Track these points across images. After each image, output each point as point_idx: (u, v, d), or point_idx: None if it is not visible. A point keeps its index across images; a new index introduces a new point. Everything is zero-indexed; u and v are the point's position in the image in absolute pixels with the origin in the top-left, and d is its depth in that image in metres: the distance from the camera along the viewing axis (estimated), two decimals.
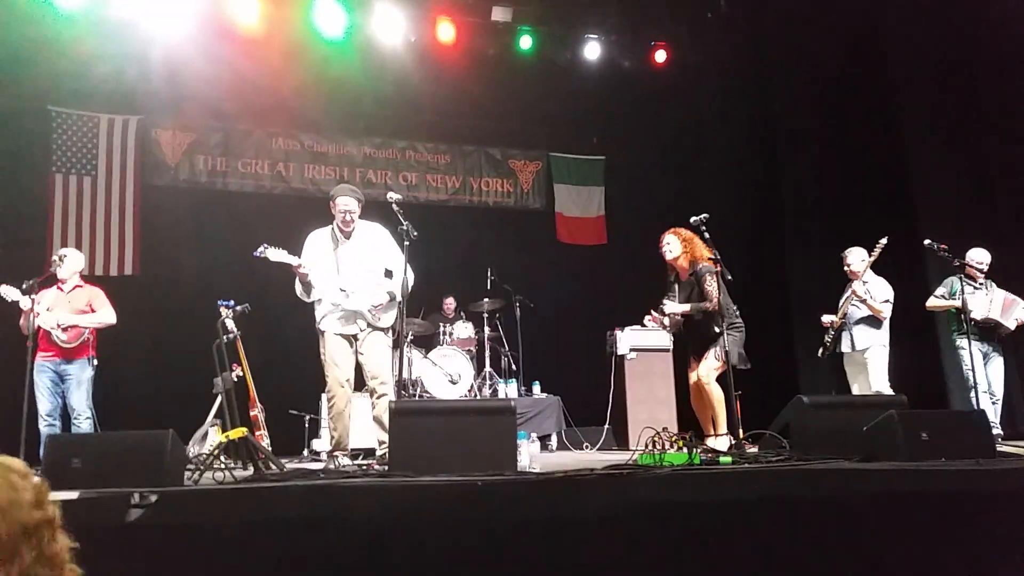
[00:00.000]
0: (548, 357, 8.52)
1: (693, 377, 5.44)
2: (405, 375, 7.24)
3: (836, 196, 8.50)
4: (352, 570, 2.91)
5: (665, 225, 5.72)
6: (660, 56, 9.10)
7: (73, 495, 3.09)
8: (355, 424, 5.03)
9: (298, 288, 4.79)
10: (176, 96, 8.18)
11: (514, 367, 8.17)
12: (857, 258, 6.22)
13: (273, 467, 4.21)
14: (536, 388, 8.01)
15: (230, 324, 5.38)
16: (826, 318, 6.39)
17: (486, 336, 8.09)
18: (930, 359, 7.58)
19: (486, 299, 8.17)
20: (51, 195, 7.86)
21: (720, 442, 5.18)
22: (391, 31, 8.14)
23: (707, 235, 5.04)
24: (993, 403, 6.17)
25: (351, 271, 4.80)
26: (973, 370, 5.98)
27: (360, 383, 4.88)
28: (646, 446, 4.18)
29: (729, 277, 4.98)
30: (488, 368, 8.03)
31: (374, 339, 4.78)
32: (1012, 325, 6.25)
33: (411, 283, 4.80)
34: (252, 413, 5.65)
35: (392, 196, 4.75)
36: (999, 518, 3.29)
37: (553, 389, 8.01)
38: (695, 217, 5.05)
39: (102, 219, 8.09)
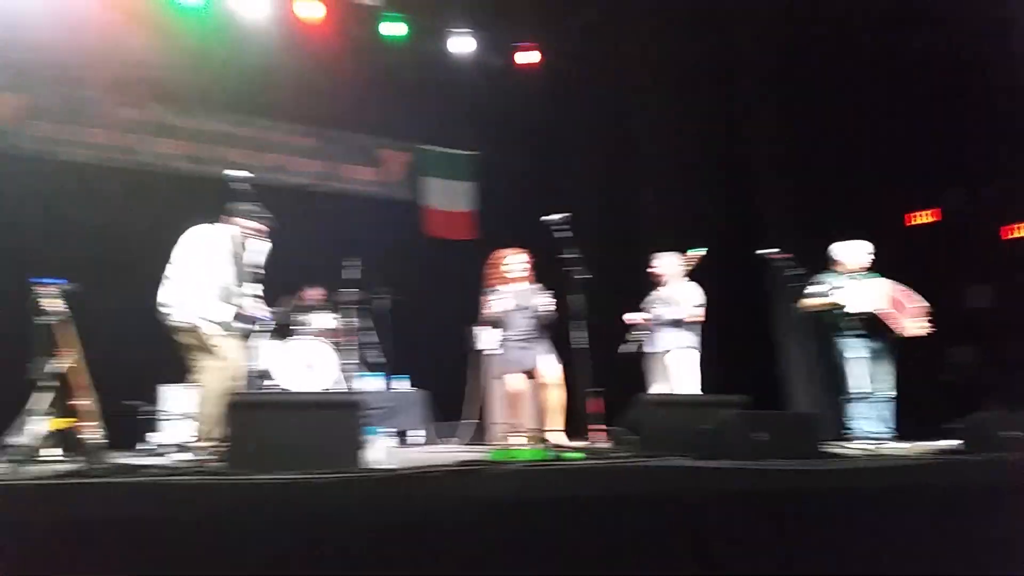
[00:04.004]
0: (418, 351, 8.38)
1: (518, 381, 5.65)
2: (258, 366, 6.93)
3: (685, 201, 8.89)
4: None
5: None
6: (532, 56, 9.20)
7: None
8: None
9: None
10: (13, 55, 7.44)
11: (379, 360, 7.96)
12: (668, 263, 6.36)
13: (96, 461, 3.88)
14: (402, 382, 7.85)
15: (49, 304, 4.85)
16: (630, 316, 6.38)
17: (349, 327, 7.85)
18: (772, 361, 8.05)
19: (350, 289, 7.91)
20: None
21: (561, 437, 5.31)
22: (255, 3, 7.77)
23: (565, 234, 5.11)
24: (888, 400, 5.87)
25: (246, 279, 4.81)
26: (843, 372, 5.86)
27: None
28: (500, 442, 4.17)
29: (588, 276, 5.07)
30: (350, 360, 7.79)
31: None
32: (911, 331, 5.76)
33: None
34: (77, 402, 5.16)
35: (235, 174, 4.50)
36: (826, 515, 3.48)
37: (423, 383, 7.87)
38: (550, 216, 5.14)
39: None
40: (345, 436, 3.65)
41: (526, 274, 5.83)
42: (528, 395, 5.67)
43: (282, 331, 7.61)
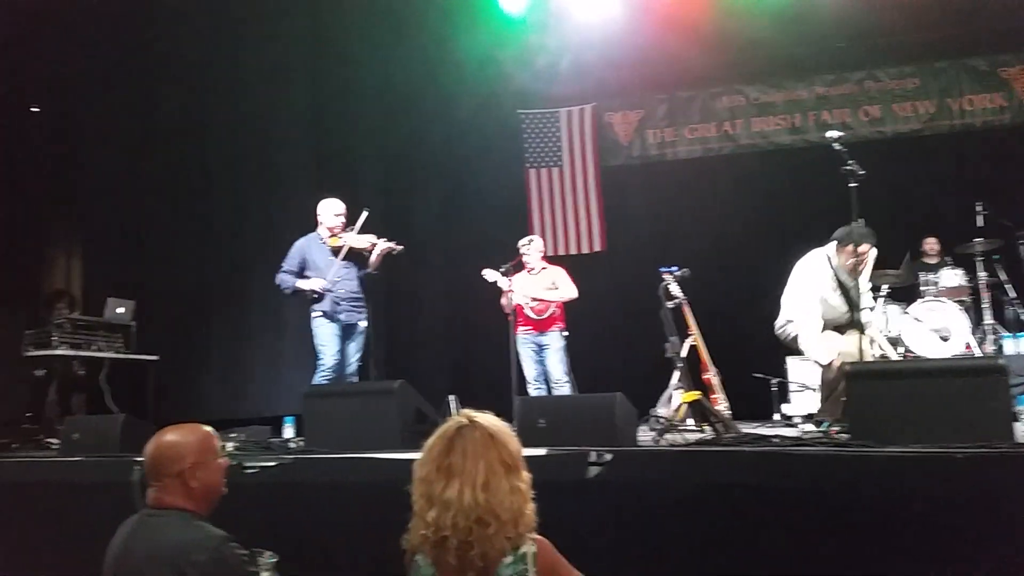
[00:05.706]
0: None
1: None
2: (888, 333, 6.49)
3: None
4: (791, 540, 2.65)
5: None
6: None
7: (540, 452, 3.41)
8: None
9: None
10: (620, 78, 8.55)
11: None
12: None
13: (728, 431, 4.12)
14: None
15: (674, 289, 5.43)
16: None
17: (982, 283, 6.78)
18: None
19: (979, 239, 6.80)
20: (527, 188, 8.91)
21: None
22: None
23: None
24: None
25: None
26: None
27: None
28: None
29: None
30: (989, 321, 6.72)
31: None
32: None
33: None
34: (705, 376, 5.64)
35: (831, 134, 4.29)
36: None
37: None
38: None
39: (570, 204, 8.89)
40: (990, 406, 3.16)
41: None
42: None
43: (906, 293, 6.99)
